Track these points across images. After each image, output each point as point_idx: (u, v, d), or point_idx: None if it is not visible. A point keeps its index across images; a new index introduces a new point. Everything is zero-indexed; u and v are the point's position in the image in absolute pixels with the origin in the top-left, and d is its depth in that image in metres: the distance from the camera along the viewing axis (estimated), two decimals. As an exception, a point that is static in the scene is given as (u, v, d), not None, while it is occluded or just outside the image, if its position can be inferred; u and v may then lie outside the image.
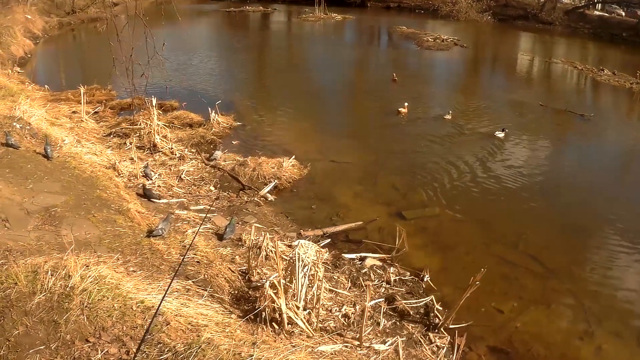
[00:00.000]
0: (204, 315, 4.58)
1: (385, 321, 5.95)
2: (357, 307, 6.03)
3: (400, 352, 5.36)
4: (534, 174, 10.76)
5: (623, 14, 35.92)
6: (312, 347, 5.05)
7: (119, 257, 5.41)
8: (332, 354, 5.06)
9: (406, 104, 14.31)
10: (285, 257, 6.43)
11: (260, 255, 6.52)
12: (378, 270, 6.98)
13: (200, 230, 6.92)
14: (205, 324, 4.36)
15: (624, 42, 30.33)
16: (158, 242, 6.21)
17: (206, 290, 5.40)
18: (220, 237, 7.12)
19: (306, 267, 5.61)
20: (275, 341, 4.89)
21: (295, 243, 6.97)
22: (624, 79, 20.58)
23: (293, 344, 4.92)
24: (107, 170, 8.81)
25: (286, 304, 5.22)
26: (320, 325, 5.58)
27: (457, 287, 6.46)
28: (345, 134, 12.95)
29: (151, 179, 8.95)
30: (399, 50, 26.82)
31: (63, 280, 4.20)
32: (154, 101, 11.08)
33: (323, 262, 6.67)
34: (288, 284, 5.51)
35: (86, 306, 4.03)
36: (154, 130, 10.56)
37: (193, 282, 5.52)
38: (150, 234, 6.36)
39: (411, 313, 6.17)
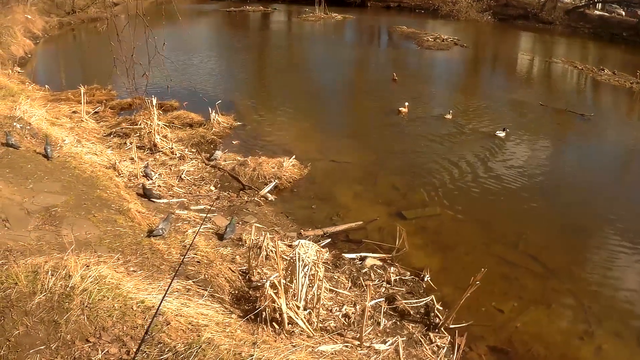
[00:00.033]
0: (204, 315, 4.59)
1: (386, 321, 5.96)
2: (358, 307, 6.03)
3: (401, 351, 5.36)
4: (534, 174, 10.76)
5: (623, 13, 35.88)
6: (313, 347, 5.05)
7: (120, 257, 5.41)
8: (332, 353, 5.06)
9: (407, 103, 14.31)
10: (286, 257, 6.43)
11: (261, 255, 6.52)
12: (378, 270, 6.98)
13: (200, 230, 6.92)
14: (205, 324, 4.37)
15: (624, 41, 30.30)
16: (158, 242, 6.21)
17: (206, 290, 5.40)
18: (220, 237, 7.12)
19: (306, 267, 5.61)
20: (275, 341, 4.89)
21: (296, 243, 6.97)
22: (624, 78, 20.57)
23: (293, 344, 4.92)
24: (108, 170, 8.81)
25: (286, 304, 5.23)
26: (320, 325, 5.58)
27: (458, 286, 6.46)
28: (346, 133, 12.95)
29: (151, 179, 8.95)
30: (399, 50, 26.81)
31: (63, 280, 4.20)
32: (154, 101, 11.09)
33: (323, 262, 6.66)
34: (288, 283, 5.51)
35: (86, 306, 4.03)
36: (154, 130, 10.56)
37: (193, 282, 5.52)
38: (150, 233, 6.37)
39: (411, 313, 6.17)
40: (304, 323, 5.33)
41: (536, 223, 8.74)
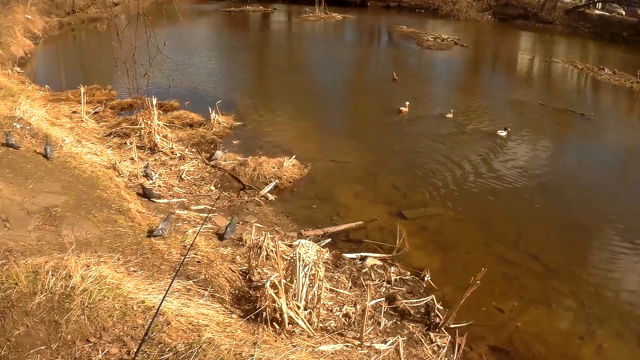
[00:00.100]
0: (204, 315, 4.59)
1: (386, 321, 5.96)
2: (358, 307, 6.03)
3: (401, 351, 5.36)
4: (534, 174, 10.76)
5: (623, 13, 35.84)
6: (313, 346, 5.05)
7: (120, 257, 5.41)
8: (332, 353, 5.06)
9: (407, 103, 14.30)
10: (286, 257, 6.42)
11: (261, 255, 6.52)
12: (379, 270, 6.98)
13: (200, 230, 6.92)
14: (206, 324, 4.36)
15: (625, 41, 30.28)
16: (159, 242, 6.21)
17: (207, 290, 5.40)
18: (220, 237, 7.12)
19: (307, 267, 5.61)
20: (276, 341, 4.89)
21: (296, 243, 6.97)
22: (625, 78, 20.55)
23: (294, 344, 4.92)
24: (108, 170, 8.80)
25: (287, 304, 5.23)
26: (321, 325, 5.58)
27: (458, 286, 6.46)
28: (346, 133, 12.94)
29: (152, 179, 8.94)
30: (399, 49, 26.80)
31: (64, 280, 4.19)
32: (155, 101, 11.09)
33: (324, 262, 6.65)
34: (289, 283, 5.51)
35: (87, 306, 4.03)
36: (154, 130, 10.56)
37: (194, 282, 5.52)
38: (150, 234, 6.36)
39: (412, 312, 6.17)
40: (305, 323, 5.33)
41: (537, 222, 8.74)
